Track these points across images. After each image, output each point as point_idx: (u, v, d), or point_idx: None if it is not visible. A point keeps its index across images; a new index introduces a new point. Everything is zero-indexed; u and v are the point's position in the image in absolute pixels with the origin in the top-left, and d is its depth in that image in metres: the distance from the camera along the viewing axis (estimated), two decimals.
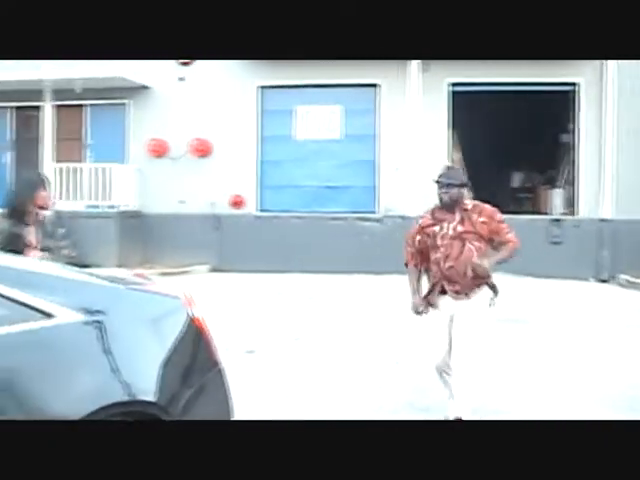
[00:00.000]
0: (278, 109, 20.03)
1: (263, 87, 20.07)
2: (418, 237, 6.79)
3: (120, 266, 18.22)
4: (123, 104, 20.79)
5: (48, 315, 3.81)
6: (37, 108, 20.74)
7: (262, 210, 20.13)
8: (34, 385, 3.64)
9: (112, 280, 4.55)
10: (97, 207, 19.55)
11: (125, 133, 20.84)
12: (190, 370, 4.39)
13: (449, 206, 6.59)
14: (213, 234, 19.84)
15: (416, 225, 6.90)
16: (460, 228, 6.54)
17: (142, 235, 19.75)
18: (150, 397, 3.98)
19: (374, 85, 19.54)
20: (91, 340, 3.91)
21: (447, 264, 6.56)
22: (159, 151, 20.36)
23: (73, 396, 3.69)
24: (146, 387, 4.00)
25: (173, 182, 20.26)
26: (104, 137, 20.89)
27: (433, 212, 6.76)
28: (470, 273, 6.47)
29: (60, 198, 19.46)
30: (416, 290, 6.86)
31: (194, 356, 4.45)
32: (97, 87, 20.05)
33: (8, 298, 3.76)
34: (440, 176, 6.66)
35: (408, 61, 18.55)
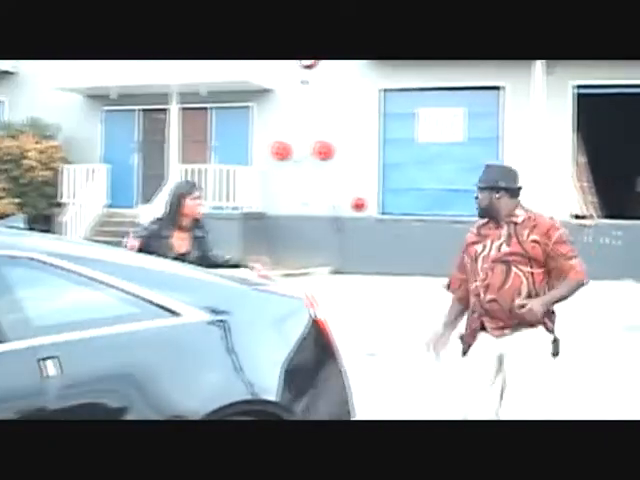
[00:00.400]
0: (400, 112, 19.99)
1: (385, 90, 20.06)
2: (464, 257, 5.27)
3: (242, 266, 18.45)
4: (247, 107, 21.09)
5: (175, 314, 3.90)
6: (164, 111, 21.23)
7: (383, 213, 20.12)
8: (160, 382, 3.73)
9: (237, 280, 4.62)
10: (221, 208, 19.87)
11: (249, 135, 21.13)
12: (312, 371, 4.43)
13: (491, 218, 5.10)
14: (334, 236, 19.93)
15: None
16: (505, 248, 4.94)
17: (264, 236, 19.97)
18: (272, 396, 4.04)
19: (498, 88, 19.31)
20: (215, 339, 3.99)
21: (488, 296, 4.95)
22: (282, 154, 20.58)
23: (197, 393, 3.77)
24: (268, 386, 4.06)
25: (296, 184, 20.43)
26: (228, 139, 21.23)
27: (479, 226, 5.24)
28: (519, 310, 4.77)
29: None
30: (449, 324, 5.39)
31: (316, 357, 4.49)
32: (222, 90, 20.39)
33: (138, 297, 3.87)
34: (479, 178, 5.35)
35: (533, 63, 18.26)
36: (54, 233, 17.96)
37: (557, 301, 4.85)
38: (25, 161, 20.68)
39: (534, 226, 4.91)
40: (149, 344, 3.81)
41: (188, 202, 6.63)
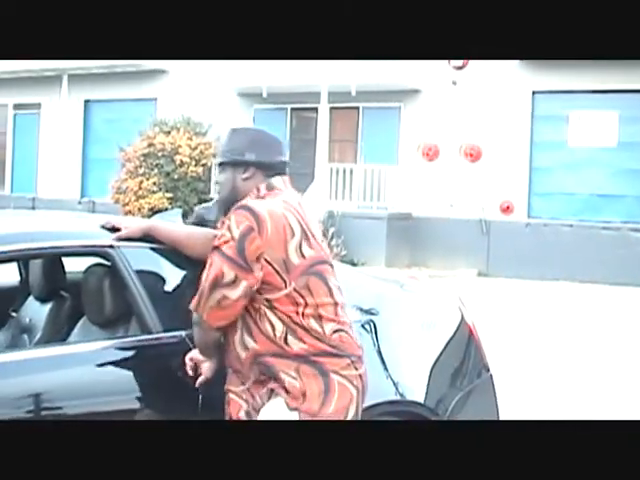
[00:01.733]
0: (551, 114, 19.60)
1: (536, 92, 19.70)
2: None
3: (388, 267, 18.52)
4: (396, 107, 21.08)
5: None
6: (313, 110, 21.46)
7: (531, 217, 19.78)
8: None
9: (387, 280, 4.64)
10: (368, 208, 19.94)
11: (397, 136, 21.12)
12: (459, 373, 4.41)
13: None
14: (481, 239, 19.72)
15: None
16: None
17: (410, 237, 19.94)
18: (419, 397, 4.04)
19: None
20: (364, 338, 4.01)
21: None
22: (430, 154, 20.50)
23: None
24: (415, 387, 4.06)
25: (443, 186, 20.31)
26: (377, 139, 21.27)
27: None
28: None
29: (334, 198, 20.06)
30: None
31: (464, 360, 4.47)
32: (372, 90, 20.46)
33: None
34: None
35: None
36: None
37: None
38: (178, 157, 21.28)
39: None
40: None
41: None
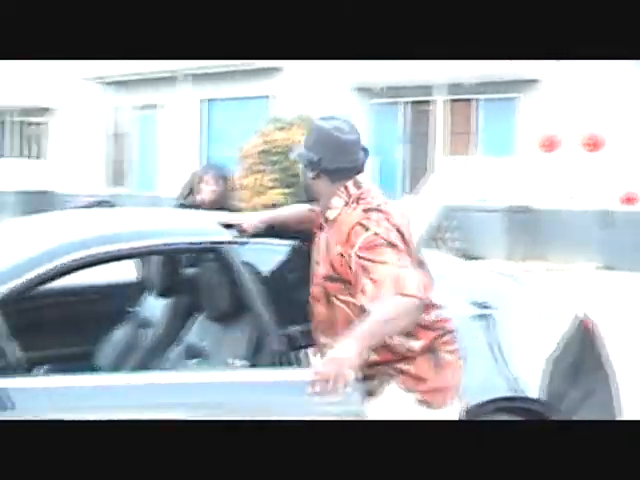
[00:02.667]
0: None
1: None
2: None
3: (506, 260, 18.28)
4: (514, 98, 20.77)
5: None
6: (429, 103, 21.33)
7: None
8: None
9: (504, 275, 4.58)
10: (486, 201, 19.71)
11: (515, 127, 20.81)
12: (577, 371, 4.31)
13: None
14: (602, 231, 19.26)
15: None
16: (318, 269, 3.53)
17: (529, 230, 19.62)
18: (534, 394, 3.97)
19: None
20: (480, 333, 3.96)
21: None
22: (549, 146, 20.10)
23: (466, 386, 3.75)
24: (531, 383, 3.99)
25: (563, 177, 19.92)
26: (494, 131, 21.01)
27: None
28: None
29: (452, 191, 19.90)
30: None
31: (581, 356, 4.37)
32: (488, 81, 20.21)
33: None
34: None
35: None
36: None
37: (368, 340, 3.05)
38: None
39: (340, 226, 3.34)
40: None
41: (202, 187, 5.78)
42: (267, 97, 24.22)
